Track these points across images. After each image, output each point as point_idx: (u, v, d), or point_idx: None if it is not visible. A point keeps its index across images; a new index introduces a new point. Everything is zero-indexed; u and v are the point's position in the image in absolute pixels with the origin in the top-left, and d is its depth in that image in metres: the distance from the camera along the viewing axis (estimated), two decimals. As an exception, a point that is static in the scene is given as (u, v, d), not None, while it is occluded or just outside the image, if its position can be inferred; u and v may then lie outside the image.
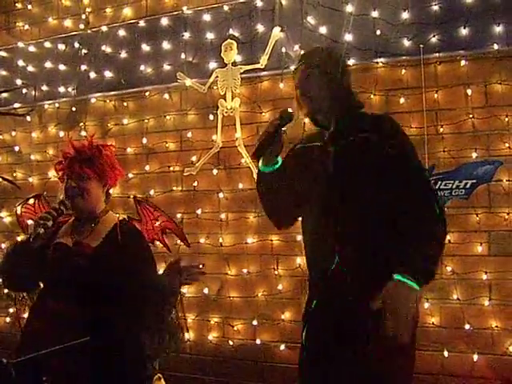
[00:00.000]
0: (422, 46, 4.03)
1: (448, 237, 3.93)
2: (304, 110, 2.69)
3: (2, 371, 1.40)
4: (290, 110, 2.63)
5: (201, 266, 2.92)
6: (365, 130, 2.53)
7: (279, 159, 2.64)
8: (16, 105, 5.61)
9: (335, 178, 2.54)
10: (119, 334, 2.84)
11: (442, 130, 4.03)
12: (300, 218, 2.79)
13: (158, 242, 4.56)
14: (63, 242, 2.92)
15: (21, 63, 5.59)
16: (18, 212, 5.34)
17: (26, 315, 5.00)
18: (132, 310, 2.94)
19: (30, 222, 5.30)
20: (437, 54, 4.05)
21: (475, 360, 3.90)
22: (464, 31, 3.96)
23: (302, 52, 2.96)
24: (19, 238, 5.37)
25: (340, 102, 2.63)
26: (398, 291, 2.22)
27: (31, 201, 5.33)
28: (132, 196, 4.95)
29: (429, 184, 2.61)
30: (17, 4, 5.73)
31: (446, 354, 3.96)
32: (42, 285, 3.12)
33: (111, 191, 3.22)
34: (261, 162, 2.63)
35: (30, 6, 5.65)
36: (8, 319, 5.39)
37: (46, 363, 1.58)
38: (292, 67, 4.33)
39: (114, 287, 2.81)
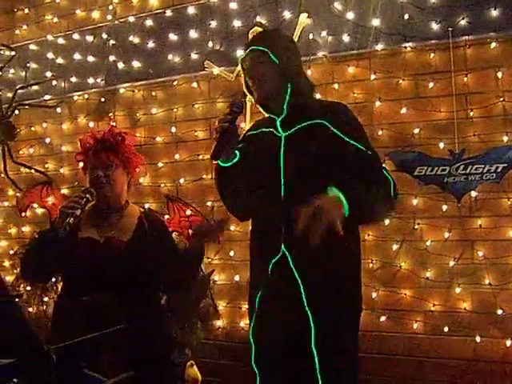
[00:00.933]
0: (450, 29, 3.98)
1: (479, 221, 3.95)
2: (255, 96, 2.65)
3: (44, 357, 1.43)
4: (238, 99, 2.58)
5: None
6: (316, 116, 2.51)
7: (237, 152, 2.57)
8: (46, 97, 5.67)
9: (285, 164, 2.52)
10: (149, 322, 2.88)
11: (471, 113, 3.99)
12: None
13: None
14: (92, 237, 2.91)
15: (50, 56, 5.64)
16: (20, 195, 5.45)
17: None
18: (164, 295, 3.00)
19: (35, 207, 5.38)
20: (466, 37, 3.99)
21: (508, 345, 3.87)
22: (494, 12, 3.89)
23: (251, 36, 2.88)
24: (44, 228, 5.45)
25: (291, 87, 2.58)
26: (330, 197, 2.23)
27: (38, 186, 5.40)
28: (164, 184, 5.01)
29: (378, 161, 2.57)
30: (45, -3, 5.79)
31: (478, 339, 3.94)
32: (63, 280, 3.11)
33: (141, 180, 3.26)
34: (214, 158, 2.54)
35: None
36: (30, 309, 5.46)
37: (84, 350, 1.62)
38: (320, 53, 4.35)
39: (146, 279, 2.85)
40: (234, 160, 2.56)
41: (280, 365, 2.56)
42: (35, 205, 5.50)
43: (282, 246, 2.51)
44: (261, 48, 2.59)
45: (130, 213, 3.04)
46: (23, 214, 5.54)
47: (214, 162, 2.56)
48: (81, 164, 3.08)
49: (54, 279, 4.25)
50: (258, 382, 2.70)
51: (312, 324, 2.45)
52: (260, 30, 4.52)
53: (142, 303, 2.85)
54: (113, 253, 2.86)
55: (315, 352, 2.45)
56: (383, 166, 2.59)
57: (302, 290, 2.46)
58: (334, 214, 2.15)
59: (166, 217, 4.66)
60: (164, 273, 2.93)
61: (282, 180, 2.51)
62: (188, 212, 4.71)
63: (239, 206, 2.80)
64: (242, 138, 2.73)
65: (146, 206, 4.89)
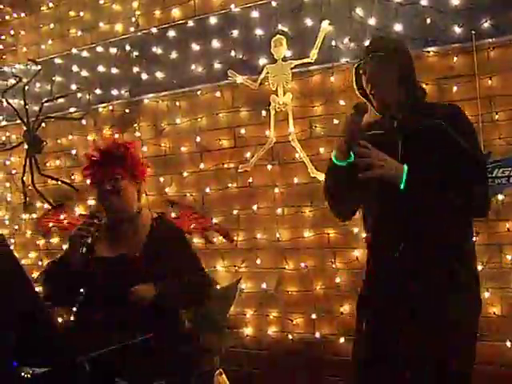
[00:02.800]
0: (473, 32, 3.95)
1: (506, 225, 3.91)
2: (376, 102, 2.70)
3: (78, 367, 1.45)
4: (359, 102, 2.65)
5: None
6: (434, 118, 2.55)
7: (352, 153, 2.60)
8: (72, 109, 5.74)
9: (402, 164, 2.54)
10: (172, 333, 2.89)
11: (497, 116, 3.96)
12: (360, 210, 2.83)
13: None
14: (105, 256, 2.93)
15: (75, 69, 5.72)
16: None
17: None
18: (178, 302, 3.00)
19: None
20: (489, 40, 3.96)
21: (539, 350, 3.83)
22: (517, 14, 3.87)
23: (368, 43, 2.94)
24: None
25: (408, 91, 2.65)
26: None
27: (52, 210, 5.53)
28: (190, 194, 5.05)
29: (486, 176, 2.65)
30: (70, 12, 5.86)
31: (508, 344, 3.90)
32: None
33: (167, 189, 3.29)
34: (335, 155, 2.62)
35: (82, 13, 5.78)
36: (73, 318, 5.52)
37: (115, 360, 1.64)
38: (343, 60, 4.35)
39: (163, 290, 2.85)
40: (350, 160, 2.59)
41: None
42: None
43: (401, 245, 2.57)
44: (381, 54, 2.65)
45: (142, 222, 3.05)
46: (47, 238, 5.78)
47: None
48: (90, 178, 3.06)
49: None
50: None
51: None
52: (281, 37, 4.56)
53: (161, 315, 2.86)
54: (127, 269, 2.87)
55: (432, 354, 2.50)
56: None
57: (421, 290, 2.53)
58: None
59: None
60: (181, 278, 2.94)
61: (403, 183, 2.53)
62: (195, 215, 4.81)
63: (342, 203, 2.85)
64: None
65: (173, 214, 4.92)
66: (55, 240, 5.86)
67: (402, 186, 2.43)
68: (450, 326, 2.48)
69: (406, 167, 2.45)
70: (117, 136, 5.44)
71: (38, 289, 2.77)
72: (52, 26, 5.98)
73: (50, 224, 5.64)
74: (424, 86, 4.04)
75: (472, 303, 2.63)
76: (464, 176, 2.46)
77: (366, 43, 2.97)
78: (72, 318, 3.60)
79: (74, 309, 3.07)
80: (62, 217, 5.55)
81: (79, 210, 5.63)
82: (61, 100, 5.74)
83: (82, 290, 3.00)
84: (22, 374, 1.38)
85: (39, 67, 5.76)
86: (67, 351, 1.46)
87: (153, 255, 2.91)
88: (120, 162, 2.96)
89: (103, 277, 2.86)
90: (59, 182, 5.73)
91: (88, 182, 3.12)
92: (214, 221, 4.94)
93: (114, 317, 2.72)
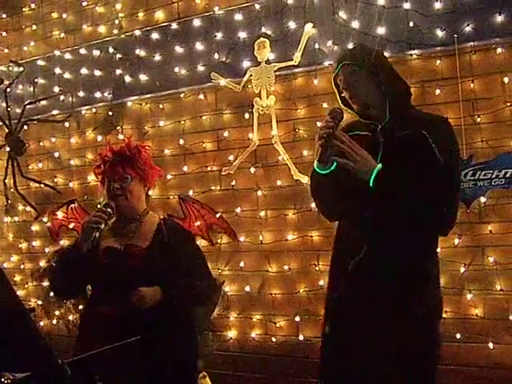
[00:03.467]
0: (455, 35, 3.97)
1: (489, 227, 3.93)
2: (355, 108, 2.75)
3: (59, 371, 1.44)
4: (339, 108, 2.66)
5: None
6: (420, 127, 2.57)
7: (335, 160, 2.61)
8: (54, 112, 5.71)
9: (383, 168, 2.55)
10: (174, 332, 2.91)
11: (479, 119, 3.99)
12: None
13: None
14: (113, 246, 2.97)
15: (58, 71, 5.68)
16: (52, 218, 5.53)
17: (71, 317, 5.14)
18: (185, 305, 3.02)
19: (70, 225, 5.42)
20: (471, 43, 3.99)
21: (521, 351, 3.85)
22: (499, 18, 3.88)
23: (341, 52, 2.98)
24: (64, 244, 5.48)
25: (391, 97, 2.67)
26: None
27: (63, 208, 5.50)
28: (173, 196, 5.03)
29: (458, 190, 2.66)
30: (53, 14, 5.83)
31: (490, 345, 3.92)
32: (90, 289, 3.17)
33: (150, 192, 3.30)
34: (317, 163, 2.62)
35: (65, 15, 5.75)
36: (54, 321, 5.48)
37: (99, 363, 1.63)
38: (326, 63, 4.37)
39: (168, 286, 2.87)
40: (332, 168, 2.60)
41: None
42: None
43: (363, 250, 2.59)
44: (355, 62, 2.70)
45: (149, 221, 3.09)
46: (57, 239, 5.70)
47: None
48: (100, 177, 3.13)
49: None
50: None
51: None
52: (265, 40, 4.57)
53: (163, 312, 2.87)
54: (134, 260, 2.92)
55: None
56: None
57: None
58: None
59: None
60: (185, 279, 2.96)
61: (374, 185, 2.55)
62: (203, 211, 4.83)
63: (330, 206, 2.87)
64: None
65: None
66: (37, 243, 5.83)
67: (371, 183, 2.46)
68: (406, 329, 2.49)
69: (379, 166, 2.48)
70: (131, 138, 5.42)
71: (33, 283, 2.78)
72: (34, 27, 5.94)
73: (61, 223, 5.61)
74: (407, 88, 4.08)
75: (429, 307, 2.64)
76: (434, 191, 2.48)
77: (341, 53, 2.98)
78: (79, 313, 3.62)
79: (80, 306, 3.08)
80: (73, 216, 5.53)
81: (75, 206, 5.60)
82: (43, 102, 5.71)
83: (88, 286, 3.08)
84: (3, 379, 1.37)
85: (21, 69, 5.71)
86: (48, 355, 1.45)
87: (159, 250, 2.96)
88: (131, 164, 3.03)
89: (109, 266, 2.92)
90: (42, 185, 5.69)
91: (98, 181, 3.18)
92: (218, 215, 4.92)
93: (117, 312, 2.78)
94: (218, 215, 4.85)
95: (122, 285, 2.81)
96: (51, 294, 4.73)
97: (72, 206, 5.55)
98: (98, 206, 2.96)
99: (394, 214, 2.49)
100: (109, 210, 2.88)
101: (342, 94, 2.78)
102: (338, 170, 2.59)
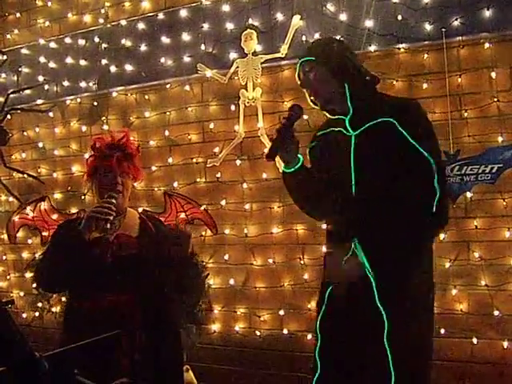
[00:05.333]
0: (444, 29, 3.97)
1: (474, 222, 3.93)
2: (318, 103, 2.73)
3: (37, 364, 1.41)
4: (298, 105, 2.66)
5: None
6: (387, 114, 2.54)
7: (300, 157, 2.63)
8: (39, 101, 5.65)
9: (355, 163, 2.55)
10: (165, 323, 2.90)
11: (466, 114, 3.98)
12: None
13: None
14: (102, 236, 2.89)
15: (42, 60, 5.62)
16: (29, 214, 5.53)
17: (54, 309, 5.09)
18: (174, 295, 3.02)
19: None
20: (459, 38, 3.98)
21: (505, 347, 3.86)
22: (487, 13, 3.88)
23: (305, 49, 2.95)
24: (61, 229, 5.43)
25: (353, 88, 2.64)
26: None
27: (32, 205, 5.49)
28: (158, 188, 5.00)
29: (432, 181, 2.52)
30: (37, 1, 5.75)
31: (475, 340, 3.93)
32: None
33: (135, 184, 3.29)
34: (282, 162, 2.63)
35: (50, 3, 5.67)
36: (37, 313, 5.44)
37: (79, 356, 1.60)
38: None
39: (159, 276, 2.90)
40: (297, 165, 2.61)
41: (345, 358, 2.59)
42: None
43: (352, 244, 2.55)
44: (307, 58, 2.68)
45: (130, 215, 3.06)
46: (14, 240, 5.73)
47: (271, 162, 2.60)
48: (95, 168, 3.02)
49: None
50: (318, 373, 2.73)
51: (386, 319, 2.47)
52: (252, 31, 4.54)
53: (156, 303, 2.89)
54: (126, 248, 2.88)
55: (388, 346, 2.47)
56: (439, 173, 2.54)
57: (374, 287, 2.50)
58: None
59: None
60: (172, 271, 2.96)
61: (353, 179, 2.55)
62: (187, 206, 4.81)
63: (307, 203, 2.85)
64: (313, 138, 2.82)
65: (140, 209, 4.87)
66: (20, 234, 5.76)
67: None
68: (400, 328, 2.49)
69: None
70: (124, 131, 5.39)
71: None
72: (18, 15, 5.85)
73: (22, 223, 5.60)
74: (395, 82, 4.09)
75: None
76: (411, 179, 2.44)
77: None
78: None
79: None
80: (39, 214, 5.50)
81: (45, 204, 5.54)
82: (27, 91, 5.65)
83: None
84: (-21, 373, 1.34)
85: (5, 57, 5.65)
86: (26, 349, 1.42)
87: (148, 240, 2.94)
88: (132, 160, 2.98)
89: (101, 256, 2.84)
90: (25, 175, 5.64)
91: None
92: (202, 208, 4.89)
93: (105, 303, 2.76)
94: (202, 208, 4.82)
95: (115, 274, 2.78)
96: (34, 285, 4.63)
97: (42, 203, 5.51)
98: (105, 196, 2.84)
99: (376, 213, 2.47)
100: (113, 200, 2.80)
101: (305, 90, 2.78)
102: (315, 163, 2.60)
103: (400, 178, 2.44)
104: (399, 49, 4.16)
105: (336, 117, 2.69)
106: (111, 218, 2.75)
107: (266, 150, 2.57)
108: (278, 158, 2.65)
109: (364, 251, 2.52)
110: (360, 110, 2.61)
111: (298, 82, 2.79)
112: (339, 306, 2.60)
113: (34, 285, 4.48)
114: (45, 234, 5.42)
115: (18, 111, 5.68)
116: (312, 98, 2.73)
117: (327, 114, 2.76)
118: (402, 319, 2.47)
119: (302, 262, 4.46)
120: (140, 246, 2.89)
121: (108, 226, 2.74)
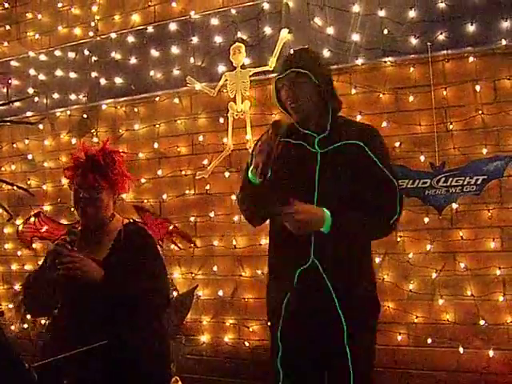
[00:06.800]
0: (429, 43, 4.03)
1: (460, 233, 3.98)
2: (294, 117, 2.72)
3: (25, 375, 1.43)
4: (279, 121, 2.62)
5: None
6: (352, 137, 2.61)
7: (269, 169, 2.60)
8: (28, 113, 5.67)
9: (319, 180, 2.58)
10: (137, 338, 2.85)
11: (451, 126, 4.04)
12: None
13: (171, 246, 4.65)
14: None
15: (32, 72, 5.64)
16: (20, 229, 5.54)
17: (43, 321, 5.09)
18: (144, 310, 2.96)
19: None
20: (445, 52, 4.04)
21: (491, 356, 3.89)
22: (471, 28, 3.95)
23: (285, 58, 2.92)
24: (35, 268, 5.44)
25: (327, 105, 2.68)
26: (316, 213, 2.49)
27: (32, 219, 5.51)
28: (147, 200, 5.03)
29: (395, 202, 2.62)
30: (27, 14, 5.78)
31: (461, 350, 3.96)
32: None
33: (124, 196, 3.24)
34: (251, 173, 2.61)
35: (40, 16, 5.70)
36: (26, 325, 5.43)
37: (66, 367, 1.61)
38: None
39: (127, 295, 2.81)
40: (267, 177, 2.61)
41: (307, 367, 2.69)
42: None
43: (312, 255, 2.58)
44: (301, 70, 2.64)
45: (113, 227, 2.98)
46: (30, 247, 5.70)
47: (260, 180, 2.56)
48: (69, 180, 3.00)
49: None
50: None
51: (345, 326, 2.55)
52: (240, 45, 4.58)
53: (128, 318, 2.82)
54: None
55: (349, 352, 2.55)
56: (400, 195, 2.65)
57: (334, 295, 2.56)
58: (305, 222, 2.46)
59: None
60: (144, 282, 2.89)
61: (316, 195, 2.57)
62: (158, 220, 4.88)
63: (258, 213, 2.88)
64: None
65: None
66: (9, 246, 5.76)
67: (326, 231, 2.49)
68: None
69: (327, 212, 2.49)
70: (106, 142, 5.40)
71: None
72: (8, 27, 5.88)
73: (30, 234, 5.61)
74: (381, 95, 4.14)
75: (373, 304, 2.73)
76: (375, 196, 2.55)
77: (284, 58, 2.95)
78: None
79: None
80: (41, 227, 5.53)
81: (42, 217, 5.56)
82: (17, 103, 5.64)
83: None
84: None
85: (-5, 70, 5.67)
86: (15, 360, 1.44)
87: (116, 260, 2.84)
88: (103, 173, 2.88)
89: (67, 279, 2.75)
90: (15, 187, 5.63)
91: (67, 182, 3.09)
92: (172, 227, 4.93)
93: (81, 321, 2.70)
94: (171, 227, 4.93)
95: (82, 297, 2.73)
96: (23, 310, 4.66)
97: (39, 217, 5.55)
98: (61, 236, 2.80)
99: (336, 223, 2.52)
100: (72, 236, 2.75)
101: (281, 97, 2.77)
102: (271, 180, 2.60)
103: (364, 196, 2.53)
104: (386, 62, 4.21)
105: (306, 132, 2.70)
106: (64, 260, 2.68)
107: (258, 169, 2.51)
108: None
109: (320, 258, 2.58)
110: (332, 130, 2.65)
111: (277, 86, 2.78)
112: (298, 314, 2.63)
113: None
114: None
115: (8, 123, 5.67)
116: (292, 108, 2.69)
117: (297, 127, 2.73)
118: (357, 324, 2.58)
119: (290, 273, 4.48)
120: (104, 270, 2.77)
121: (61, 272, 2.66)
